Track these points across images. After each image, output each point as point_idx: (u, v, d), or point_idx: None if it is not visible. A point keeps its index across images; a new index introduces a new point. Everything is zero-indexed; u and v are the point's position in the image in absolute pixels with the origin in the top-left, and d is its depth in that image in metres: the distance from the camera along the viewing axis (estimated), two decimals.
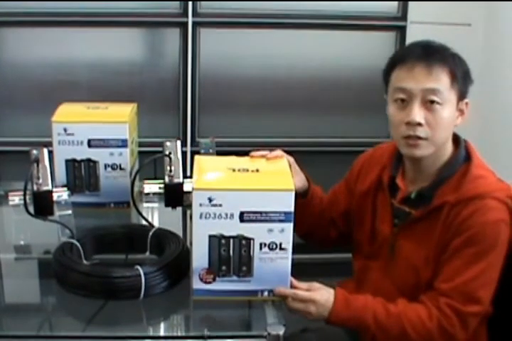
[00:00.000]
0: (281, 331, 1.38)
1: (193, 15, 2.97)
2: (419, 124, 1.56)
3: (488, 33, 3.10)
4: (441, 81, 1.56)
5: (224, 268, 1.47)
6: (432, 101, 1.55)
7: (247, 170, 1.52)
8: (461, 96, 1.60)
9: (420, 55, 1.57)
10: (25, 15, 2.90)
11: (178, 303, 1.58)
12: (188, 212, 1.94)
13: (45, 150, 1.74)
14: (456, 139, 1.67)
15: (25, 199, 1.67)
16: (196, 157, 1.63)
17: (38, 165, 1.71)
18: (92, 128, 1.87)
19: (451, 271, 1.56)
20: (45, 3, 2.90)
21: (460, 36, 3.13)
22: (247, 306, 1.52)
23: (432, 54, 1.57)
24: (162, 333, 1.49)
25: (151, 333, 1.49)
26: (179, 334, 1.49)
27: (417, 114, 1.55)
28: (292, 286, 1.51)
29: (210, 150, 2.00)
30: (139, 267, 1.49)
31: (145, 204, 1.91)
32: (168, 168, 1.81)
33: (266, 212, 1.43)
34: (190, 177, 1.92)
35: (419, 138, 1.57)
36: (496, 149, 2.96)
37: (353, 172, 1.83)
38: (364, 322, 1.54)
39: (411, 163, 1.67)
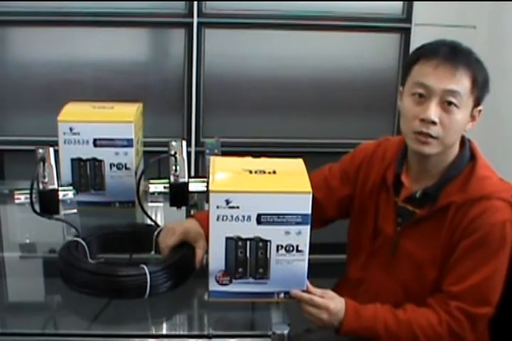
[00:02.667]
0: (285, 330, 1.38)
1: (198, 16, 2.97)
2: (433, 123, 1.55)
3: (493, 36, 3.10)
4: (463, 84, 1.55)
5: (240, 270, 1.47)
6: (450, 103, 1.55)
7: (264, 172, 1.50)
8: (477, 102, 1.59)
9: (447, 55, 1.56)
10: (32, 15, 2.90)
11: (183, 302, 1.58)
12: (193, 212, 1.95)
13: (51, 150, 1.74)
14: (461, 139, 1.67)
15: (31, 198, 1.67)
16: (212, 158, 1.61)
17: (43, 164, 1.71)
18: (98, 127, 1.87)
19: (460, 273, 1.56)
20: (51, 2, 2.91)
21: (465, 38, 3.11)
22: (251, 305, 1.53)
23: (458, 56, 1.57)
24: (167, 332, 1.49)
25: (155, 332, 1.49)
26: (184, 333, 1.49)
27: (433, 112, 1.55)
28: (307, 291, 1.51)
29: (215, 151, 2.00)
30: (144, 266, 1.49)
31: (150, 204, 1.92)
32: (174, 167, 1.81)
33: (283, 215, 1.42)
34: (195, 177, 1.93)
35: (431, 136, 1.56)
36: (498, 152, 2.96)
37: (353, 163, 1.80)
38: (375, 332, 1.55)
39: (416, 160, 1.66)
